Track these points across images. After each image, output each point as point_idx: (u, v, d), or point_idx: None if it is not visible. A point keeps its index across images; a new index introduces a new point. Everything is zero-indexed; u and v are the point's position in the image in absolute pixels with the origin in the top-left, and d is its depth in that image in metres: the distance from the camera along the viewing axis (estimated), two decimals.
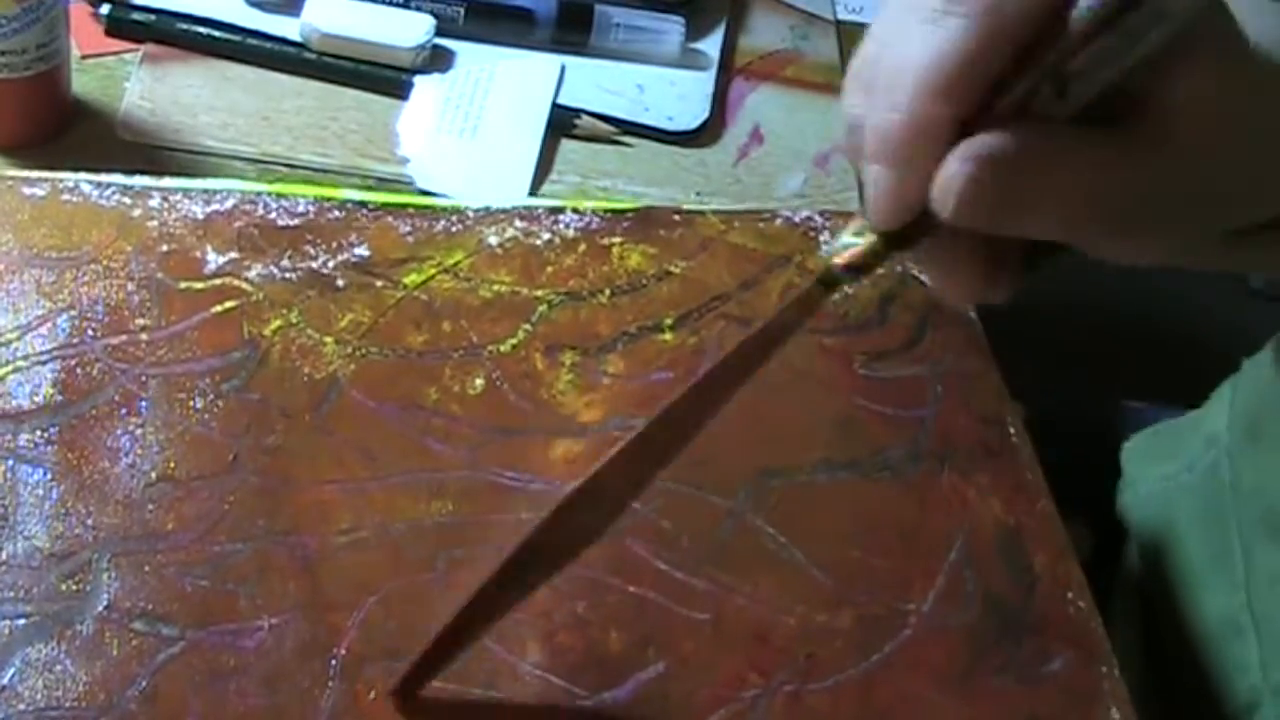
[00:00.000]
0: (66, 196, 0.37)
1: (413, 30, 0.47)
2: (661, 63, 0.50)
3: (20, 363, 0.33)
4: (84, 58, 0.45)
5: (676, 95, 0.49)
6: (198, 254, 0.36)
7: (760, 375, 0.35)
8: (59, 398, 0.33)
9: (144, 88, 0.45)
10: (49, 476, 0.31)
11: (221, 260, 0.36)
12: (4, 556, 0.30)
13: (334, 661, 0.29)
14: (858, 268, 0.24)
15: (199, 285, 0.36)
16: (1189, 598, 0.42)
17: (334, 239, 0.37)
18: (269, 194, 0.38)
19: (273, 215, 0.38)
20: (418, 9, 0.48)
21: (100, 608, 0.29)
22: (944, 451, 0.35)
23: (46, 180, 0.37)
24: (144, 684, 0.28)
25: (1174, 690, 0.43)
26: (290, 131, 0.45)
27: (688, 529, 0.33)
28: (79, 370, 0.33)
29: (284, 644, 0.29)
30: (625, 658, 0.30)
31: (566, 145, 0.47)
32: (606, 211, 0.40)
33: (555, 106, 0.47)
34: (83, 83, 0.44)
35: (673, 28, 0.50)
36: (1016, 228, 0.22)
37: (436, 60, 0.48)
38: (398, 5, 0.48)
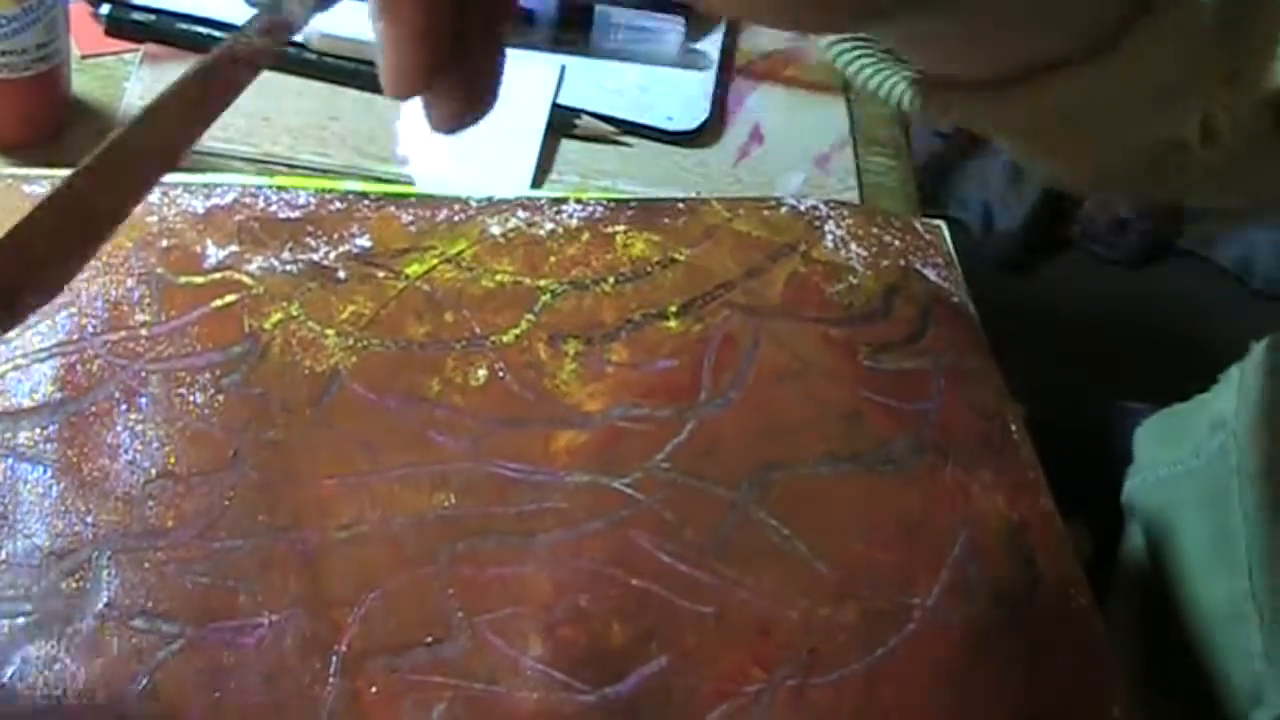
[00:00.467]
0: None
1: None
2: (661, 63, 0.50)
3: (20, 360, 0.33)
4: (84, 58, 0.45)
5: (676, 95, 0.49)
6: (198, 248, 0.36)
7: (764, 366, 0.36)
8: (59, 394, 0.32)
9: (144, 88, 0.45)
10: (49, 474, 0.31)
11: (222, 254, 0.36)
12: (4, 554, 0.30)
13: (335, 657, 0.29)
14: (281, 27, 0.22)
15: (199, 279, 0.35)
16: (1191, 584, 0.42)
17: (335, 230, 0.37)
18: (269, 187, 0.38)
19: (273, 208, 0.38)
20: None
21: (100, 605, 0.29)
22: (947, 446, 0.35)
23: (46, 178, 0.37)
24: (144, 681, 0.28)
25: (1175, 682, 0.42)
26: (290, 131, 0.45)
27: (691, 521, 0.32)
28: (79, 367, 0.33)
29: (285, 640, 0.29)
30: (628, 651, 0.30)
31: (566, 145, 0.47)
32: (610, 201, 0.40)
33: (555, 106, 0.47)
34: (83, 83, 0.44)
35: (673, 28, 0.50)
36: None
37: None
38: None
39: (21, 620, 0.29)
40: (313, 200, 0.38)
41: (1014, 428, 0.36)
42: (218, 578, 0.30)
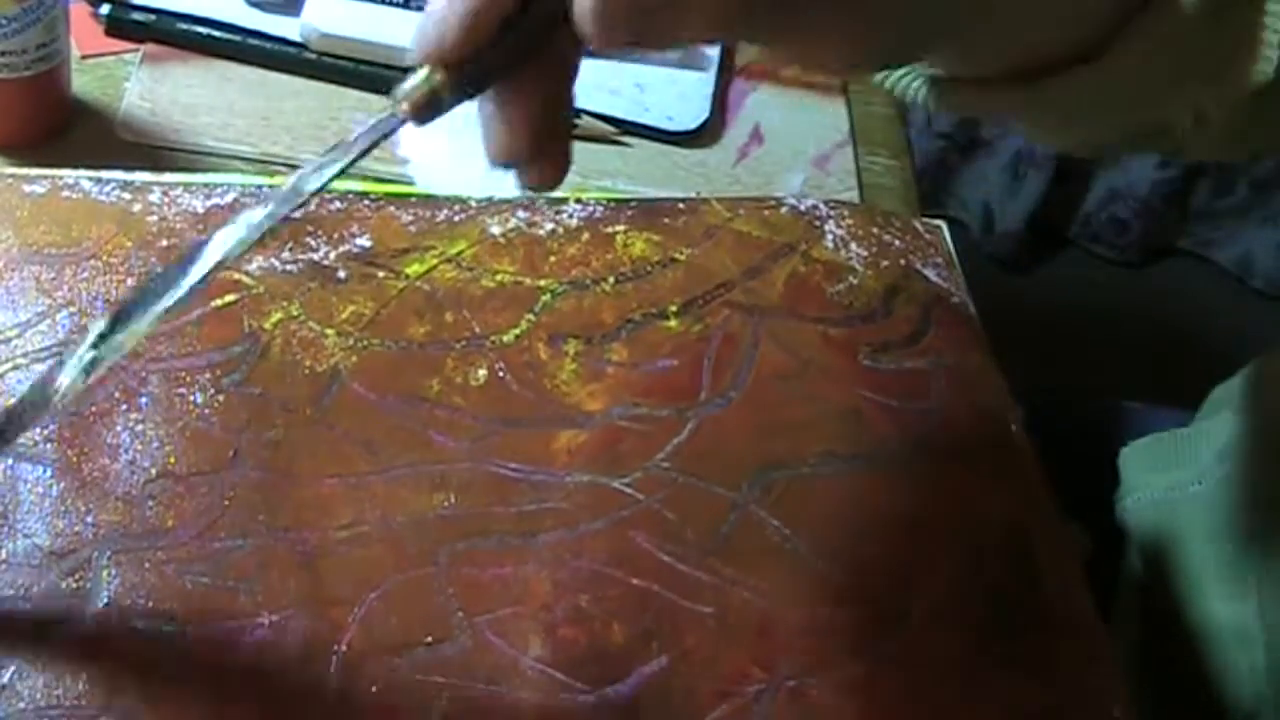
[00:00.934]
0: (66, 193, 0.37)
1: (413, 30, 0.47)
2: (661, 63, 0.50)
3: (20, 360, 0.33)
4: (84, 58, 0.45)
5: (676, 95, 0.49)
6: None
7: (764, 366, 0.36)
8: None
9: (144, 88, 0.45)
10: (49, 474, 0.31)
11: None
12: (4, 554, 0.29)
13: (335, 657, 0.29)
14: (423, 109, 0.23)
15: None
16: (1194, 605, 0.42)
17: (335, 230, 0.37)
18: (269, 187, 0.38)
19: None
20: (418, 9, 0.48)
21: (100, 605, 0.29)
22: (947, 446, 0.35)
23: (46, 177, 0.37)
24: (145, 681, 0.28)
25: (1171, 695, 0.43)
26: (290, 131, 0.45)
27: (691, 521, 0.32)
28: None
29: (285, 640, 0.29)
30: (628, 651, 0.30)
31: None
32: (610, 201, 0.40)
33: None
34: (83, 83, 0.44)
35: None
36: (668, 34, 0.21)
37: None
38: (398, 5, 0.48)
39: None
40: (313, 200, 0.38)
41: (1014, 428, 0.36)
42: (218, 578, 0.30)
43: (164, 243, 0.36)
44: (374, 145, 0.25)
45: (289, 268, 0.36)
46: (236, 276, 0.36)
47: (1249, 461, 0.42)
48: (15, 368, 0.33)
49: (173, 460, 0.32)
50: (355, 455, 0.32)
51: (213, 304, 0.35)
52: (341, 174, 0.25)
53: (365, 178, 0.44)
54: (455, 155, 0.45)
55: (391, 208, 0.38)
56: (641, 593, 0.31)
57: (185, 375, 0.33)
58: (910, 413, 0.35)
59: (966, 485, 0.34)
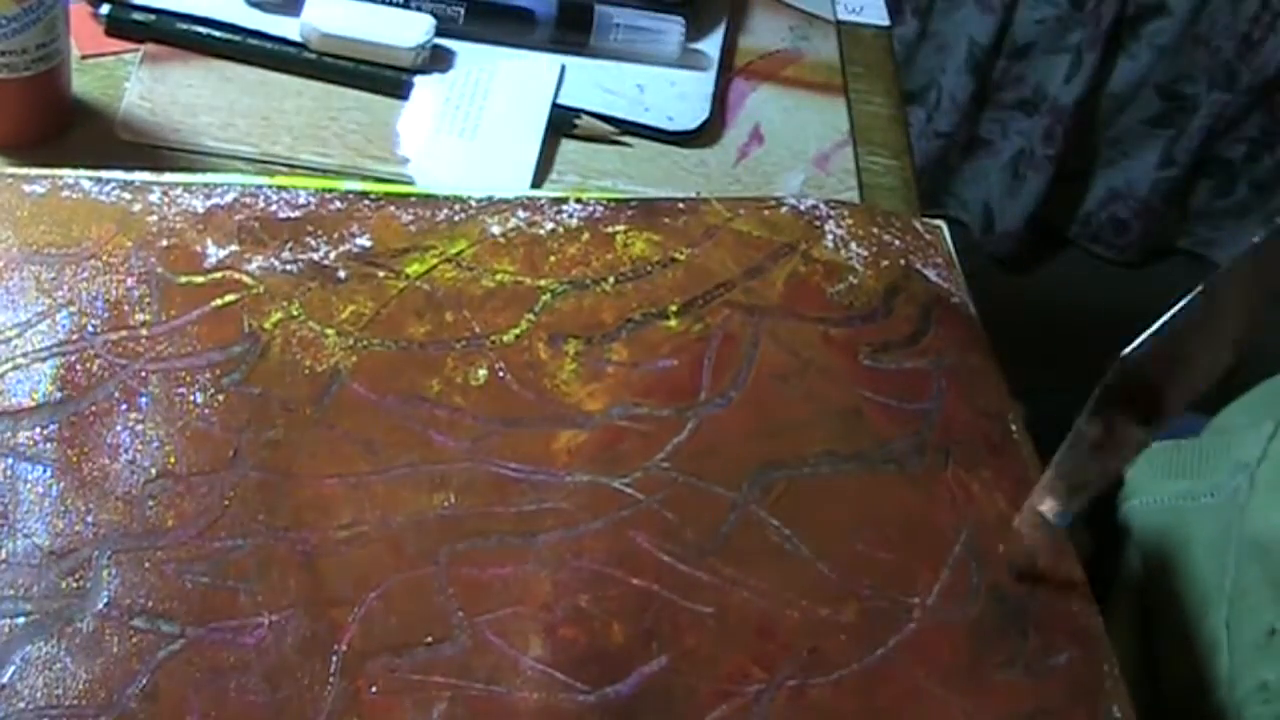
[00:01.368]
0: (66, 193, 0.37)
1: (413, 30, 0.47)
2: (661, 63, 0.50)
3: (20, 359, 0.33)
4: (84, 58, 0.45)
5: (676, 95, 0.49)
6: (198, 248, 0.36)
7: (764, 366, 0.36)
8: (59, 394, 0.32)
9: (144, 88, 0.45)
10: (49, 473, 0.31)
11: (222, 253, 0.36)
12: (4, 554, 0.30)
13: (335, 657, 0.29)
14: None
15: (199, 279, 0.35)
16: (1191, 616, 0.42)
17: (335, 230, 0.37)
18: (269, 186, 0.38)
19: (273, 207, 0.38)
20: (418, 9, 0.48)
21: (100, 605, 0.29)
22: (948, 445, 0.35)
23: (46, 177, 0.37)
24: (144, 681, 0.28)
25: (1169, 696, 0.43)
26: (290, 131, 0.45)
27: (691, 521, 0.32)
28: (79, 366, 0.33)
29: (285, 640, 0.29)
30: (628, 651, 0.30)
31: (566, 145, 0.47)
32: (610, 201, 0.40)
33: (555, 106, 0.47)
34: (83, 83, 0.44)
35: (673, 28, 0.50)
36: None
37: (436, 60, 0.48)
38: (398, 5, 0.48)
39: (21, 620, 0.29)
40: (313, 200, 0.38)
41: (1014, 427, 0.36)
42: (218, 577, 0.30)
43: (164, 242, 0.36)
44: None
45: (289, 267, 0.36)
46: (237, 276, 0.36)
47: (1258, 480, 0.42)
48: (15, 367, 0.33)
49: (173, 460, 0.32)
50: (355, 455, 0.32)
51: (213, 303, 0.35)
52: None
53: (365, 177, 0.44)
54: (455, 155, 0.45)
55: (391, 208, 0.38)
56: (641, 593, 0.31)
57: (185, 375, 0.33)
58: (910, 412, 0.35)
59: (966, 485, 0.34)
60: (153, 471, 0.31)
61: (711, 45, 0.52)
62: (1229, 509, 0.43)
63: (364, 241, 0.37)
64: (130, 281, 0.35)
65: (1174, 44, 1.11)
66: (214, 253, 0.36)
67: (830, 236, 0.39)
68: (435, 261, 0.37)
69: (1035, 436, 0.37)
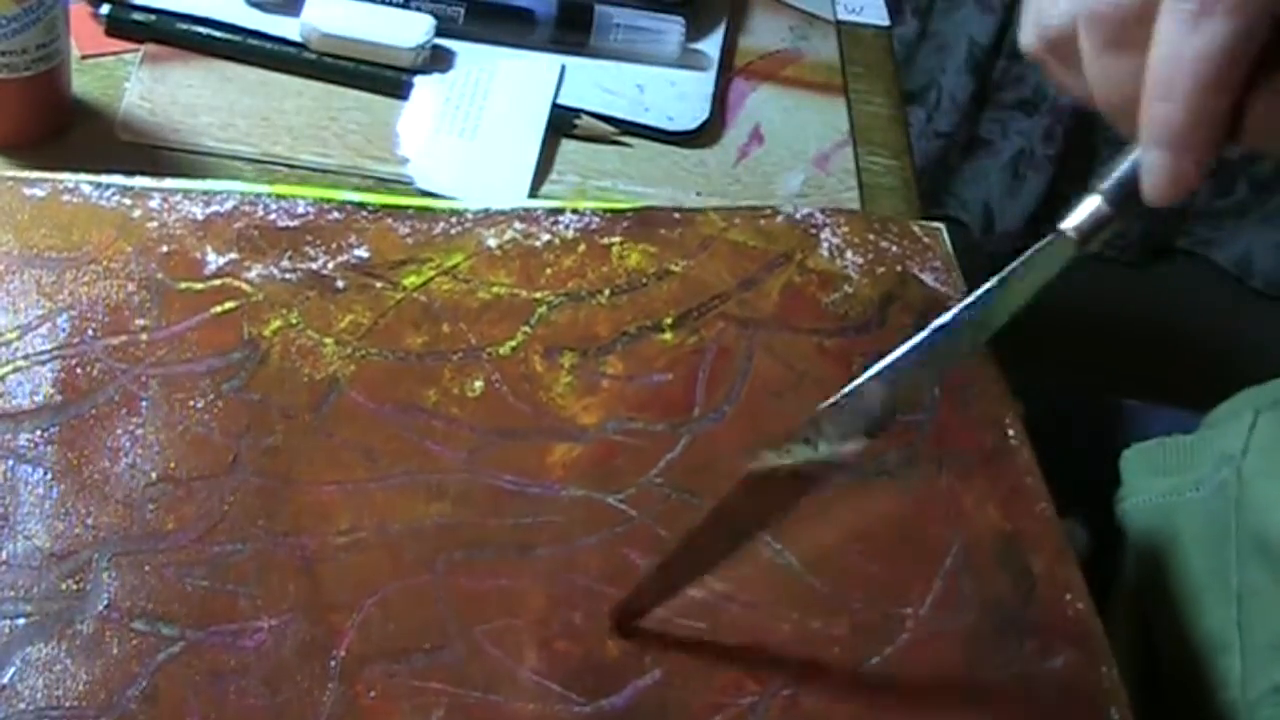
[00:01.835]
0: (67, 197, 0.37)
1: (413, 30, 0.47)
2: (661, 63, 0.50)
3: (20, 362, 0.33)
4: (84, 58, 0.45)
5: (676, 95, 0.49)
6: (198, 255, 0.36)
7: (758, 380, 0.36)
8: (59, 398, 0.33)
9: (144, 88, 0.45)
10: (49, 476, 0.31)
11: (221, 261, 0.36)
12: (4, 556, 0.30)
13: (333, 662, 0.29)
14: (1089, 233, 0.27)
15: (199, 286, 0.36)
16: (1187, 612, 0.43)
17: (334, 240, 0.37)
18: (269, 195, 0.38)
19: (272, 216, 0.38)
20: (418, 9, 0.48)
21: (100, 607, 0.29)
22: (941, 456, 0.35)
23: (47, 181, 0.37)
24: (144, 684, 0.28)
25: (1165, 698, 0.43)
26: (290, 131, 0.45)
27: None
28: (79, 370, 0.33)
29: (284, 644, 0.29)
30: (622, 665, 0.30)
31: (566, 145, 0.47)
32: (606, 211, 0.40)
33: (555, 106, 0.47)
34: (83, 83, 0.44)
35: (673, 28, 0.50)
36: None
37: (436, 60, 0.48)
38: (398, 5, 0.48)
39: (21, 622, 0.29)
40: (311, 209, 0.38)
41: (1012, 432, 0.36)
42: (217, 581, 0.30)
43: (164, 249, 0.36)
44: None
45: (288, 276, 0.36)
46: (236, 284, 0.36)
47: (1245, 470, 0.42)
48: (15, 370, 0.33)
49: (173, 464, 0.32)
50: (354, 462, 0.33)
51: (212, 310, 0.35)
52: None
53: (365, 177, 0.44)
54: (455, 155, 0.45)
55: (389, 219, 0.38)
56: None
57: (185, 381, 0.34)
58: (904, 423, 0.36)
59: (959, 495, 0.35)
60: (153, 475, 0.32)
61: (711, 45, 0.51)
62: (1217, 501, 0.43)
63: (362, 252, 0.37)
64: (130, 287, 0.35)
65: None
66: (214, 260, 0.36)
67: (826, 245, 0.40)
68: (432, 274, 0.37)
69: (1034, 436, 0.37)
